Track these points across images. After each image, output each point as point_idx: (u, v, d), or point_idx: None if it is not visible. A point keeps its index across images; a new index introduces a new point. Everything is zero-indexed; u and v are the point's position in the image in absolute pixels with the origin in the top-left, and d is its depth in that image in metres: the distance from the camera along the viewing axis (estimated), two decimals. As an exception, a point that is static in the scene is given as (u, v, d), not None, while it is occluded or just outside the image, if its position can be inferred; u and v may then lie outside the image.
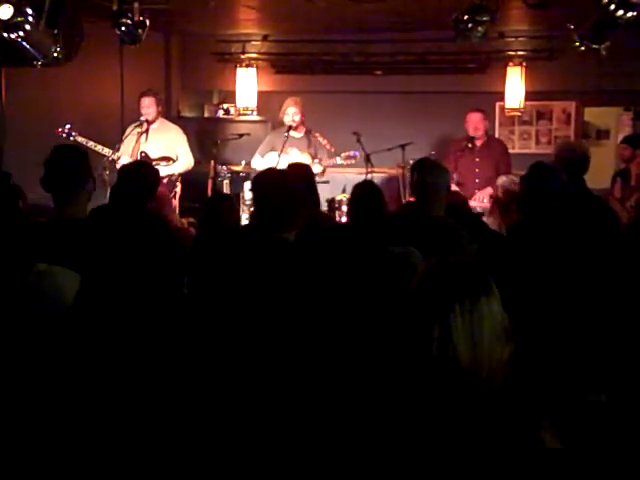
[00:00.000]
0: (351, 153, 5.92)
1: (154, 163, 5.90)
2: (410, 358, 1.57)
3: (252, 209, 5.28)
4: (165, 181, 5.90)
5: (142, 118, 5.94)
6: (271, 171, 3.17)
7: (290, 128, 5.98)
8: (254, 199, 3.14)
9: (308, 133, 6.12)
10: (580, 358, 2.46)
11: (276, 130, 6.40)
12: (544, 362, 2.35)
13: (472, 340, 1.53)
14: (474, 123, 6.14)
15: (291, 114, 6.02)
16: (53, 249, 2.53)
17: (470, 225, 3.66)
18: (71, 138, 5.62)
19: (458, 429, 1.48)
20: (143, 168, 3.82)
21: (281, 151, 5.88)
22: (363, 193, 3.98)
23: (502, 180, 4.57)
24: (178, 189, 6.06)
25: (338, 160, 5.91)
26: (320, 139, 6.06)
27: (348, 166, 6.09)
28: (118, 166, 5.76)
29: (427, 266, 1.70)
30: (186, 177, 6.16)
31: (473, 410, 1.50)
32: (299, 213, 2.94)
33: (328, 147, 6.02)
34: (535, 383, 1.79)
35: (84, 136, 5.65)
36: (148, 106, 5.96)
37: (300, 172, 4.05)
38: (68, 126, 5.64)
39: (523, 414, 1.53)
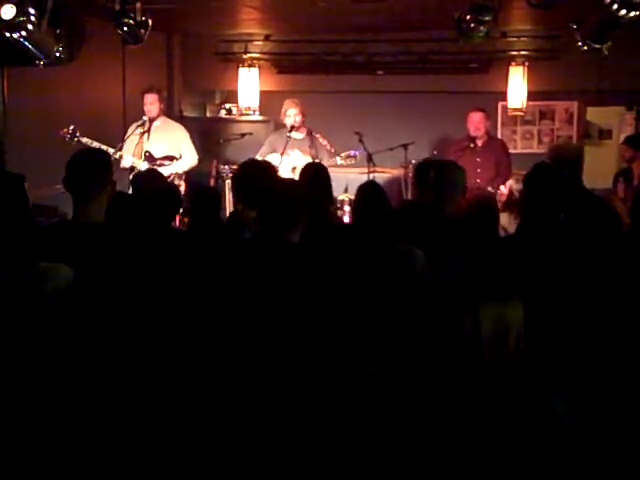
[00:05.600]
0: (351, 153, 5.92)
1: (158, 162, 5.91)
2: (441, 347, 1.59)
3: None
4: (170, 180, 5.91)
5: (145, 117, 5.95)
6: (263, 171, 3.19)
7: (292, 129, 5.98)
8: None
9: (309, 134, 6.12)
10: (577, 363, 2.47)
11: (277, 132, 6.39)
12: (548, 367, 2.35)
13: (497, 342, 1.55)
14: (475, 123, 6.14)
15: (292, 115, 6.03)
16: (68, 251, 2.55)
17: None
18: (75, 139, 5.61)
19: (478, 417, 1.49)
20: (176, 191, 3.97)
21: (282, 152, 5.88)
22: (367, 194, 3.99)
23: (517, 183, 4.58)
24: (182, 188, 6.06)
25: (338, 160, 5.91)
26: (321, 140, 6.06)
27: (349, 166, 6.09)
28: (122, 165, 5.79)
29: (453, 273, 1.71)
30: (188, 177, 6.16)
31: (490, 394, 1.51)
32: (301, 214, 2.95)
33: (329, 147, 6.02)
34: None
35: (88, 137, 5.65)
36: (151, 103, 5.98)
37: (312, 172, 4.08)
38: (72, 127, 5.64)
39: (536, 389, 1.55)
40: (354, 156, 5.92)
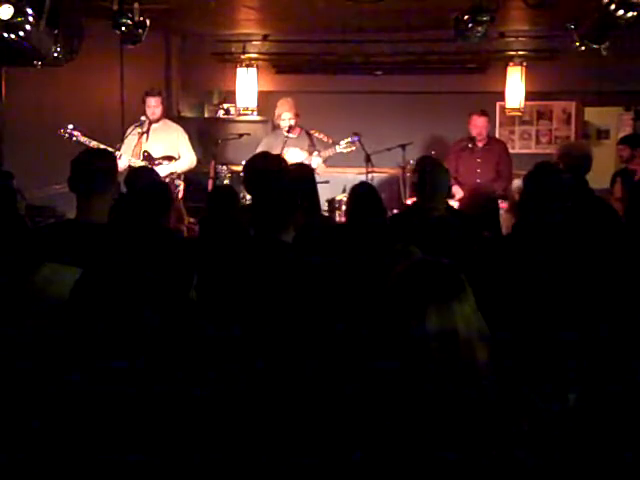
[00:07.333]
0: (351, 139, 5.86)
1: (157, 162, 5.91)
2: (391, 353, 1.58)
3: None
4: (168, 180, 5.91)
5: (142, 118, 5.93)
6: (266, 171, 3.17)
7: (289, 131, 5.97)
8: (251, 198, 3.15)
9: (305, 133, 6.11)
10: (576, 360, 2.47)
11: (272, 133, 6.39)
12: (535, 364, 2.35)
13: (446, 340, 1.54)
14: (479, 127, 6.15)
15: (287, 119, 6.00)
16: (66, 250, 2.55)
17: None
18: (73, 139, 5.60)
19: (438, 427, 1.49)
20: (162, 184, 3.90)
21: (280, 152, 5.87)
22: (360, 195, 3.98)
23: (517, 183, 4.58)
24: (181, 188, 6.05)
25: (337, 148, 5.84)
26: (317, 134, 6.04)
27: (347, 166, 6.06)
28: (119, 166, 5.77)
29: (404, 267, 1.69)
30: (186, 177, 6.16)
31: (449, 406, 1.50)
32: (295, 214, 2.95)
33: (326, 139, 5.99)
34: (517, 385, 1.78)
35: (86, 136, 5.64)
36: (155, 106, 5.96)
37: (301, 174, 4.05)
38: (70, 126, 5.62)
39: (501, 413, 1.54)
40: (354, 142, 5.86)
